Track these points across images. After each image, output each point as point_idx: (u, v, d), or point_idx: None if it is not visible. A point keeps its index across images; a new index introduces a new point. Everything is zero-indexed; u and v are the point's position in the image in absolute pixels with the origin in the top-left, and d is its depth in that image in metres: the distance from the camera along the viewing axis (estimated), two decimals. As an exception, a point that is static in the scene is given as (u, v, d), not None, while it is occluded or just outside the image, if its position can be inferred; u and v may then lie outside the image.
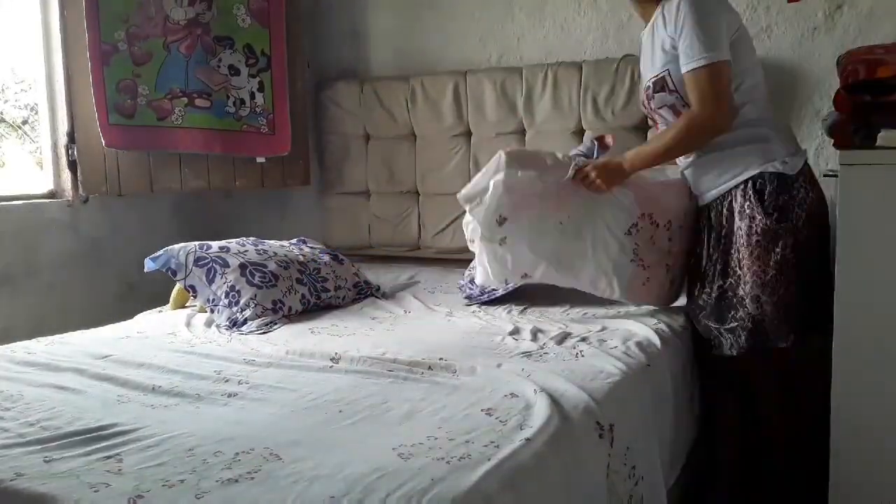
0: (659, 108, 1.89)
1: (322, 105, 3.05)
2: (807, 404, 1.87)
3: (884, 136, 1.55)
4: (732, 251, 1.82)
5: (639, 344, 1.78)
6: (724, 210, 1.84)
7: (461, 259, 2.87)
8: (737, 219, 1.80)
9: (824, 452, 1.65)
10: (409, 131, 2.91)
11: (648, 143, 1.96)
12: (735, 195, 1.81)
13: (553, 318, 2.10)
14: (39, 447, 1.23)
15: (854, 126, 1.63)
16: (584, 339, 1.83)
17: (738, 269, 1.80)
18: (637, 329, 1.90)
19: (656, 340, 1.82)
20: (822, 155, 2.39)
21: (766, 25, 2.41)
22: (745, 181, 1.78)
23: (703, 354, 1.97)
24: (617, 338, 1.83)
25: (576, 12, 2.67)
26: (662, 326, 1.92)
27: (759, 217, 1.74)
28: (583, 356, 1.70)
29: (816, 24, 2.29)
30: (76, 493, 1.05)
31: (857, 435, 1.58)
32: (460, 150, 2.82)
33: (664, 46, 1.81)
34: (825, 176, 2.25)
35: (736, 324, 1.83)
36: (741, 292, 1.80)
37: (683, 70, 1.74)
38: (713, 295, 1.86)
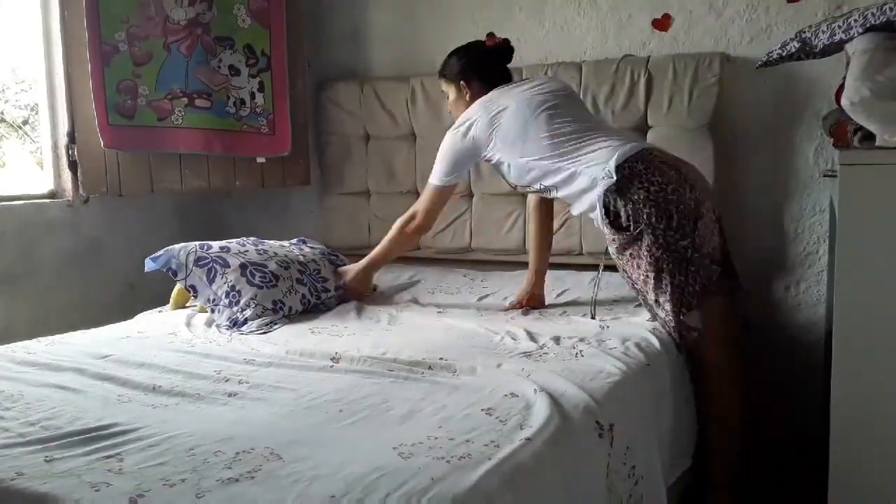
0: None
1: (322, 105, 3.05)
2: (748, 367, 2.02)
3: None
4: (625, 274, 1.99)
5: (638, 344, 1.78)
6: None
7: (461, 259, 2.88)
8: (608, 245, 1.98)
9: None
10: (410, 131, 2.91)
11: (373, 253, 2.38)
12: (601, 227, 1.97)
13: (552, 318, 2.10)
14: (40, 447, 1.23)
15: (854, 126, 1.63)
16: (583, 339, 1.84)
17: (635, 285, 1.97)
18: (636, 329, 1.91)
19: (655, 341, 1.82)
20: (822, 155, 2.40)
21: (766, 25, 2.41)
22: (601, 212, 1.93)
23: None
24: (616, 338, 1.83)
25: (576, 13, 2.67)
26: (661, 326, 1.92)
27: (616, 236, 1.91)
28: (582, 356, 1.70)
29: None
30: (77, 492, 1.06)
31: (857, 435, 1.58)
32: (460, 150, 2.81)
33: None
34: (825, 176, 2.26)
35: (660, 324, 1.94)
36: (649, 302, 1.94)
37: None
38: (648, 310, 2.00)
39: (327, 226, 3.13)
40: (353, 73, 3.06)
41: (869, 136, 1.57)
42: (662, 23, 2.53)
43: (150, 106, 2.60)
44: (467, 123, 2.12)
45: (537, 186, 2.09)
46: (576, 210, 2.05)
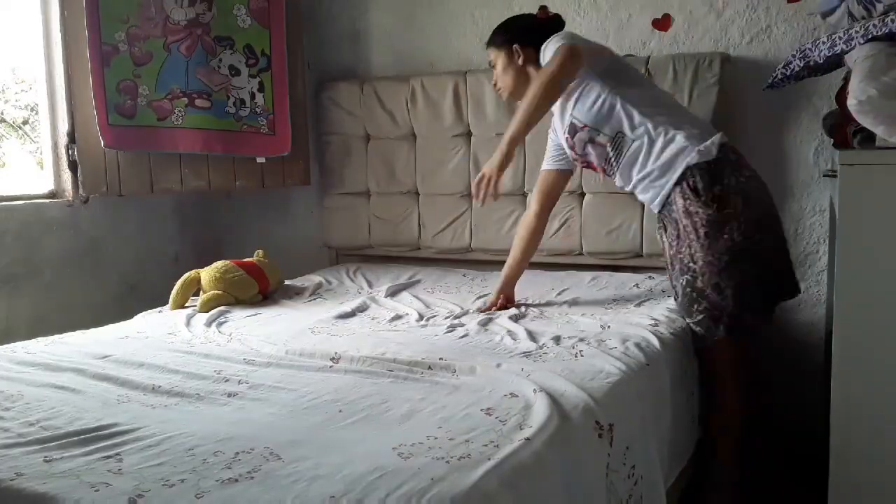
0: (584, 152, 2.05)
1: (322, 105, 3.05)
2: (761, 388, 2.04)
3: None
4: (685, 248, 1.90)
5: (638, 344, 1.78)
6: (672, 213, 1.93)
7: (461, 259, 2.88)
8: (682, 218, 1.89)
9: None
10: (409, 131, 2.91)
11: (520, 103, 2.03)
12: (674, 198, 1.90)
13: (552, 318, 2.10)
14: (39, 447, 1.23)
15: (854, 126, 1.63)
16: (583, 339, 1.83)
17: (692, 263, 1.89)
18: (636, 329, 1.90)
19: (655, 340, 1.82)
20: (822, 154, 2.40)
21: (766, 26, 2.41)
22: (678, 182, 1.88)
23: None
24: (616, 338, 1.83)
25: (575, 13, 2.67)
26: (661, 327, 1.92)
27: (702, 210, 1.84)
28: (582, 356, 1.70)
29: (816, 23, 2.29)
30: (76, 492, 1.05)
31: (857, 435, 1.58)
32: (460, 150, 2.82)
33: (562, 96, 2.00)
34: (825, 176, 2.26)
35: (702, 316, 1.90)
36: (700, 284, 1.88)
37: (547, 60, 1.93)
38: (678, 292, 1.96)
39: (327, 226, 3.13)
40: (353, 73, 3.06)
41: (869, 138, 1.58)
42: (662, 23, 2.54)
43: (150, 106, 2.60)
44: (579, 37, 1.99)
45: (606, 132, 1.97)
46: (635, 175, 1.97)
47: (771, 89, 1.96)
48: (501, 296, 2.24)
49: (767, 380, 2.40)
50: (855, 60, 1.60)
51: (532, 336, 1.90)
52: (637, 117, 1.94)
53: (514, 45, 2.10)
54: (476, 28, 2.84)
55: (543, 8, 2.20)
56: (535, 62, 2.05)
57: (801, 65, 1.84)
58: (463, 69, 2.81)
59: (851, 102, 1.54)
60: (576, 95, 2.00)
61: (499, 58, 2.15)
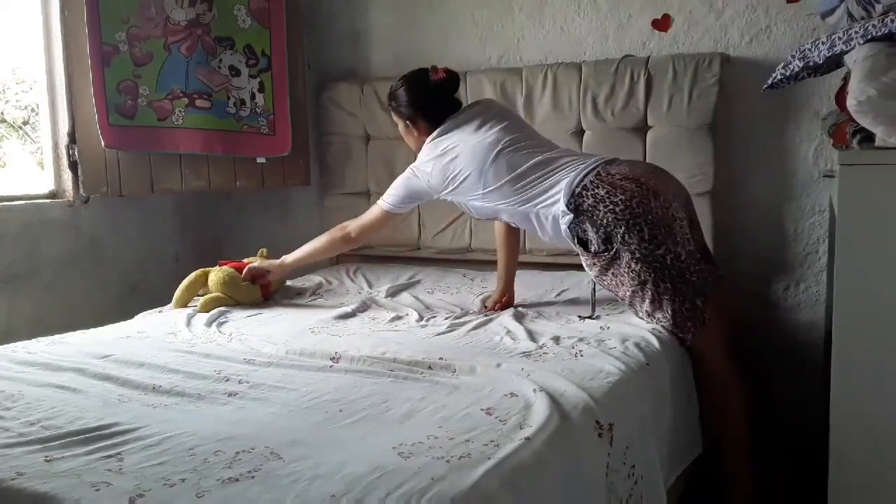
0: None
1: (322, 106, 3.05)
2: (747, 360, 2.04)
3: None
4: (616, 294, 2.02)
5: (638, 344, 1.78)
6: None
7: (461, 259, 2.88)
8: (590, 270, 2.01)
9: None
10: (410, 132, 2.90)
11: (301, 250, 2.46)
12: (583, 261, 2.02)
13: (551, 319, 2.10)
14: (40, 447, 1.23)
15: (854, 126, 1.64)
16: (582, 339, 1.84)
17: (625, 303, 2.00)
18: (636, 329, 1.91)
19: (654, 340, 1.82)
20: (821, 155, 2.40)
21: (766, 26, 2.42)
22: (573, 240, 1.98)
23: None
24: (616, 338, 1.83)
25: (575, 13, 2.67)
26: (661, 327, 1.92)
27: (594, 260, 1.96)
28: (582, 356, 1.70)
29: (816, 24, 2.29)
30: (77, 492, 1.06)
31: (857, 435, 1.58)
32: (460, 150, 2.81)
33: None
34: (825, 176, 2.26)
35: (662, 326, 1.94)
36: (641, 316, 1.97)
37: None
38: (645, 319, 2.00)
39: (327, 226, 3.11)
40: (354, 74, 3.06)
41: (868, 138, 1.58)
42: (662, 23, 2.54)
43: (151, 106, 2.60)
44: (423, 173, 2.17)
45: (503, 218, 2.16)
46: (548, 241, 2.11)
47: (770, 90, 1.96)
48: (506, 294, 2.28)
49: (767, 380, 2.40)
50: (854, 61, 1.60)
51: (532, 336, 1.90)
52: (511, 209, 2.06)
53: (407, 121, 2.25)
54: (476, 28, 2.84)
55: (434, 68, 2.23)
56: (430, 129, 2.20)
57: (801, 65, 1.83)
58: (463, 69, 2.80)
59: (851, 103, 1.54)
60: (462, 205, 2.19)
61: (398, 122, 2.31)
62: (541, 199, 2.00)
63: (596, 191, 1.91)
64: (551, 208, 1.98)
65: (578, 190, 1.93)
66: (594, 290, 2.13)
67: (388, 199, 2.25)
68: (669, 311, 1.90)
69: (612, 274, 1.94)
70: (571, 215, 1.93)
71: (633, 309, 1.99)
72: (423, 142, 2.22)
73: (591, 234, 1.93)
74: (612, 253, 1.91)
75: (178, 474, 1.11)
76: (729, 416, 1.96)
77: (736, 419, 1.96)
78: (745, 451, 1.97)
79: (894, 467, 1.55)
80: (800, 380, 2.43)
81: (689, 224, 2.00)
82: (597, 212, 1.90)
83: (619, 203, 1.88)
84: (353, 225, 2.33)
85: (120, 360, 1.75)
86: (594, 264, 1.96)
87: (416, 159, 2.24)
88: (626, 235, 1.87)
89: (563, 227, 1.96)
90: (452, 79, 2.23)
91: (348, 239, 2.34)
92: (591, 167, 1.96)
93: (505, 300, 2.27)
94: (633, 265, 1.89)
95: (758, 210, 2.48)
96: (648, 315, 1.93)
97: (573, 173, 1.97)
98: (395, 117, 2.31)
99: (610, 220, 1.89)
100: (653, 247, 1.87)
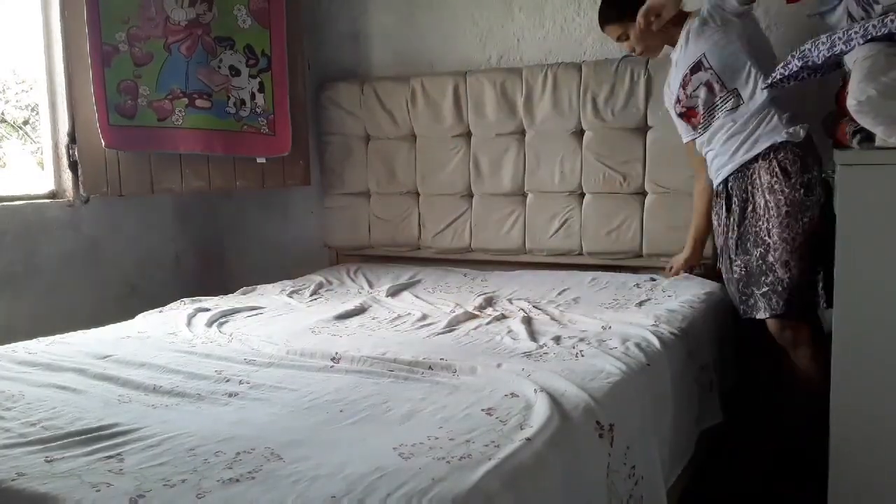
0: (695, 91, 2.09)
1: (322, 106, 3.05)
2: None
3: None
4: (761, 223, 1.99)
5: (638, 344, 1.78)
6: (747, 185, 2.03)
7: (461, 259, 2.88)
8: (765, 193, 1.98)
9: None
10: (410, 132, 2.91)
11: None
12: (758, 172, 2.00)
13: (552, 319, 2.10)
14: (41, 447, 1.23)
15: (853, 126, 1.64)
16: (583, 339, 1.84)
17: (767, 238, 1.98)
18: (636, 329, 1.90)
19: (655, 341, 1.82)
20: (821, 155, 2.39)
21: (766, 26, 2.41)
22: (764, 157, 1.98)
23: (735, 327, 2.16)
24: (616, 338, 1.83)
25: (575, 13, 2.67)
26: (661, 328, 1.92)
27: (788, 191, 1.94)
28: (582, 356, 1.70)
29: (815, 24, 2.29)
30: (77, 492, 1.06)
31: (857, 435, 1.58)
32: (460, 150, 2.82)
33: (699, 40, 2.05)
34: (824, 177, 2.25)
35: (767, 288, 1.98)
36: (771, 259, 1.97)
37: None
38: (744, 265, 2.04)
39: (327, 226, 3.13)
40: (354, 74, 3.06)
41: (868, 138, 1.58)
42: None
43: (151, 106, 2.60)
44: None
45: (725, 83, 2.05)
46: (723, 134, 2.07)
47: (770, 89, 1.95)
48: (694, 257, 2.42)
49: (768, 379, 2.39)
50: (854, 61, 1.60)
51: (532, 336, 1.90)
52: (756, 84, 2.00)
53: (651, 11, 2.06)
54: (476, 28, 2.84)
55: None
56: (675, 6, 2.06)
57: (800, 65, 1.83)
58: (463, 69, 2.81)
59: (851, 103, 1.54)
60: (714, 38, 2.03)
61: (628, 29, 2.15)
62: (778, 100, 2.00)
63: (813, 145, 1.98)
64: (778, 112, 2.00)
65: (811, 132, 1.98)
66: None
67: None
68: (809, 279, 1.95)
69: (786, 212, 1.94)
70: (786, 133, 1.96)
71: (756, 249, 2.00)
72: (669, 27, 2.10)
73: (797, 169, 1.94)
74: (808, 198, 1.93)
75: (178, 475, 1.11)
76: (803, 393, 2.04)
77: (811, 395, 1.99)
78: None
79: (894, 467, 1.55)
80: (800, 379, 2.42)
81: None
82: (811, 158, 1.96)
83: (823, 169, 1.95)
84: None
85: (120, 361, 1.75)
86: (779, 191, 1.96)
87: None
88: (824, 202, 1.92)
89: (774, 137, 1.98)
90: None
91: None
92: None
93: (690, 262, 2.40)
94: (815, 223, 1.92)
95: (758, 210, 2.48)
96: (784, 266, 1.95)
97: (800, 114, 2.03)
98: (616, 30, 2.19)
99: (816, 177, 1.95)
100: (828, 226, 1.88)
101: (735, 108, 2.04)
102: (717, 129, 2.08)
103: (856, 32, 1.61)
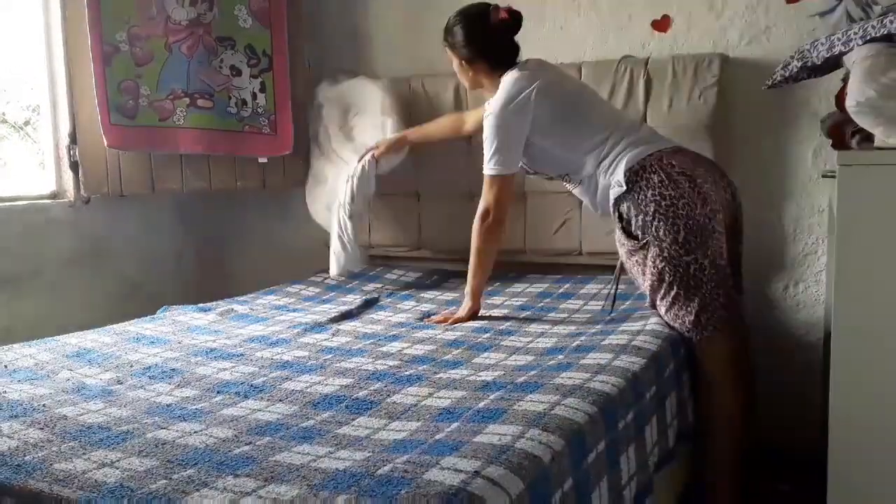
0: (534, 174, 2.23)
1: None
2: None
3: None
4: (631, 275, 2.06)
5: (638, 345, 1.78)
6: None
7: (461, 259, 2.87)
8: (621, 251, 2.03)
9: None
10: (410, 132, 2.91)
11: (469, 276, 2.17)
12: (617, 236, 2.03)
13: (555, 319, 2.11)
14: (40, 447, 1.23)
15: (853, 127, 1.64)
16: (584, 339, 1.84)
17: (646, 290, 2.01)
18: (638, 328, 1.91)
19: (656, 340, 1.83)
20: (820, 156, 2.40)
21: (766, 26, 2.42)
22: (614, 213, 2.00)
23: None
24: (617, 337, 1.84)
25: (575, 13, 2.68)
26: (654, 331, 1.91)
27: (627, 243, 1.97)
28: (584, 356, 1.71)
29: (815, 24, 2.30)
30: (77, 493, 1.06)
31: (857, 436, 1.58)
32: (460, 150, 2.82)
33: None
34: (824, 177, 2.26)
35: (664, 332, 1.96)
36: (656, 305, 2.00)
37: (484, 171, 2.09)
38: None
39: (326, 226, 3.13)
40: (354, 74, 3.06)
41: (867, 139, 1.58)
42: (662, 24, 2.55)
43: (152, 106, 2.60)
44: (518, 96, 2.02)
45: (556, 173, 2.14)
46: (590, 205, 2.13)
47: (770, 88, 1.96)
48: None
49: (767, 380, 2.40)
50: (853, 61, 1.60)
51: (533, 336, 1.90)
52: (577, 161, 2.04)
53: (463, 62, 2.17)
54: (476, 29, 2.84)
55: (496, 8, 2.09)
56: (488, 72, 2.14)
57: (800, 66, 1.84)
58: (463, 70, 2.81)
59: (850, 103, 1.55)
60: (528, 149, 2.09)
61: (453, 58, 2.21)
62: (606, 160, 2.00)
63: (651, 176, 1.91)
64: (609, 175, 1.99)
65: (637, 167, 1.93)
66: (616, 284, 2.16)
67: (490, 164, 2.07)
68: (681, 313, 1.93)
69: (637, 261, 1.96)
70: (624, 188, 1.93)
71: (650, 298, 2.01)
72: (482, 81, 2.18)
73: (632, 215, 1.93)
74: (642, 242, 1.92)
75: (181, 474, 1.11)
76: (715, 429, 1.97)
77: (722, 434, 1.97)
78: (725, 469, 1.97)
79: (894, 468, 1.56)
80: (799, 380, 2.43)
81: (732, 234, 2.02)
82: (644, 196, 1.91)
83: (667, 198, 1.88)
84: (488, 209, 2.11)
85: (121, 361, 1.75)
86: (623, 244, 1.99)
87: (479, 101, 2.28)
88: (662, 232, 1.88)
89: (612, 197, 1.97)
90: (515, 21, 2.11)
91: (492, 230, 2.13)
92: (657, 148, 1.97)
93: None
94: (657, 262, 1.90)
95: (757, 210, 2.48)
96: (665, 310, 1.96)
97: (641, 147, 1.97)
98: (449, 52, 2.21)
99: (651, 210, 1.89)
100: (682, 252, 1.88)
101: (577, 184, 2.10)
102: (583, 198, 2.16)
103: (855, 33, 1.61)
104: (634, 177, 1.92)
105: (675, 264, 1.88)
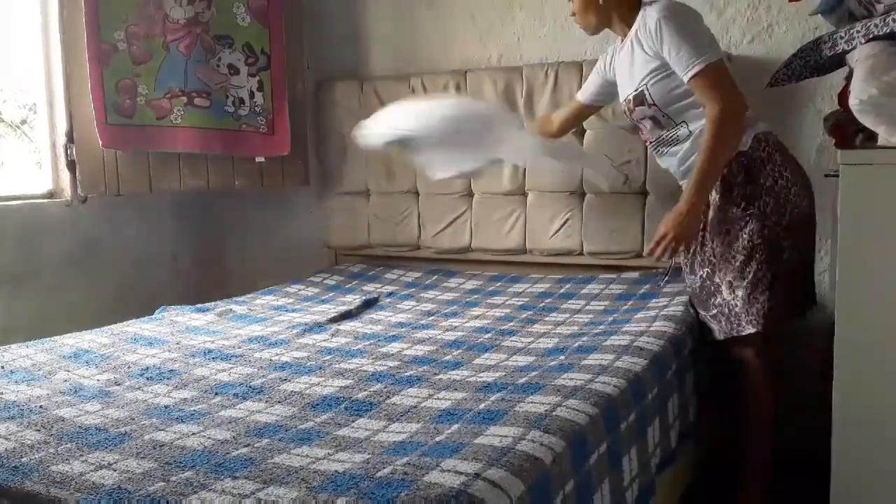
0: (640, 120, 2.02)
1: (322, 105, 3.05)
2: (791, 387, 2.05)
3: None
4: (708, 241, 1.92)
5: (639, 345, 1.77)
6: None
7: (461, 259, 2.87)
8: (711, 210, 1.90)
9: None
10: (409, 131, 2.90)
11: (695, 169, 1.84)
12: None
13: (556, 320, 2.10)
14: (39, 448, 1.22)
15: (856, 126, 1.63)
16: (585, 338, 1.83)
17: (713, 257, 1.91)
18: (639, 328, 1.90)
19: (658, 340, 1.82)
20: (823, 154, 2.39)
21: (768, 25, 2.41)
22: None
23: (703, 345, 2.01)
24: (619, 336, 1.83)
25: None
26: (661, 325, 1.92)
27: (727, 206, 1.85)
28: (585, 357, 1.70)
29: (817, 23, 2.29)
30: (76, 494, 1.05)
31: (859, 435, 1.58)
32: (460, 149, 2.81)
33: (642, 64, 1.91)
34: (826, 176, 2.25)
35: (716, 310, 1.94)
36: (717, 279, 1.91)
37: (686, 78, 1.80)
38: (697, 283, 1.99)
39: (327, 226, 3.12)
40: (353, 73, 3.06)
41: (870, 137, 1.57)
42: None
43: (149, 105, 2.59)
44: (687, 7, 1.88)
45: (671, 117, 1.93)
46: (676, 159, 1.96)
47: (772, 87, 1.95)
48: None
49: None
50: (856, 60, 1.59)
51: (535, 337, 1.89)
52: (701, 112, 1.87)
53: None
54: (476, 27, 2.83)
55: None
56: (617, 5, 1.96)
57: (802, 64, 1.83)
58: (463, 69, 2.80)
59: (853, 102, 1.54)
60: (658, 73, 1.89)
61: None
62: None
63: (774, 154, 1.86)
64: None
65: (762, 139, 1.86)
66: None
67: (700, 54, 1.78)
68: (759, 297, 1.85)
69: (726, 229, 1.86)
70: (746, 148, 1.83)
71: (703, 268, 1.92)
72: (610, 15, 1.97)
73: (741, 184, 1.84)
74: (746, 212, 1.83)
75: (179, 475, 1.10)
76: (752, 428, 1.96)
77: (760, 434, 1.96)
78: (758, 469, 1.96)
79: (897, 469, 1.55)
80: (800, 381, 2.42)
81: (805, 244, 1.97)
82: (763, 168, 1.84)
83: (785, 179, 1.84)
84: (717, 102, 1.78)
85: (119, 361, 1.74)
86: (719, 208, 1.87)
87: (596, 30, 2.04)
88: (770, 209, 1.82)
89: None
90: None
91: (732, 105, 1.80)
92: (773, 131, 1.91)
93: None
94: (754, 237, 1.83)
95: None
96: (738, 290, 1.86)
97: (763, 123, 1.91)
98: None
99: (768, 185, 1.83)
100: (784, 235, 1.85)
101: (683, 137, 1.95)
102: (672, 155, 2.00)
103: (858, 31, 1.60)
104: (757, 145, 1.85)
105: (773, 247, 1.83)
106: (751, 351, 1.93)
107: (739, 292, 1.87)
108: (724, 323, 1.93)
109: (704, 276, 1.95)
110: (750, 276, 1.85)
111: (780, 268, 1.86)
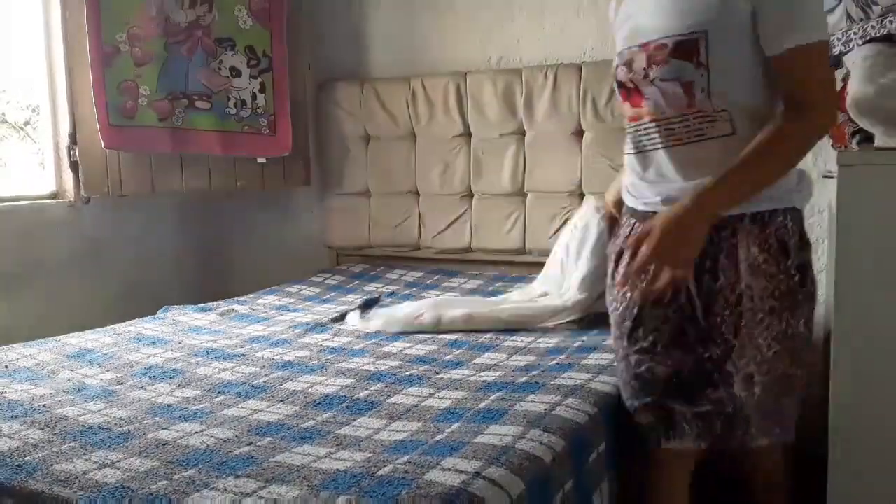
0: (662, 80, 1.32)
1: (323, 106, 3.06)
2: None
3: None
4: (726, 311, 1.34)
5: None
6: (720, 253, 1.33)
7: (461, 259, 2.88)
8: (745, 272, 1.32)
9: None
10: (409, 132, 2.91)
11: (732, 166, 1.29)
12: (742, 237, 1.32)
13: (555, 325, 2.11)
14: (41, 448, 1.23)
15: (853, 127, 1.64)
16: (585, 340, 1.84)
17: (730, 336, 1.34)
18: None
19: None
20: (820, 155, 2.40)
21: (766, 27, 2.41)
22: (759, 219, 1.32)
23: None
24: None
25: (575, 14, 2.68)
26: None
27: (782, 277, 1.31)
28: (585, 356, 1.71)
29: (815, 25, 2.30)
30: (77, 493, 1.06)
31: (857, 435, 1.58)
32: (460, 150, 2.82)
33: None
34: (824, 177, 2.26)
35: (710, 407, 1.36)
36: (729, 367, 1.34)
37: (778, 50, 1.24)
38: (687, 364, 1.37)
39: (327, 226, 3.13)
40: (354, 74, 3.07)
41: (867, 139, 1.58)
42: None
43: (151, 106, 2.60)
44: None
45: (710, 94, 1.29)
46: (672, 168, 1.36)
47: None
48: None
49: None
50: (853, 62, 1.60)
51: (535, 337, 1.90)
52: (768, 102, 1.32)
53: None
54: (476, 29, 2.84)
55: None
56: None
57: None
58: (463, 70, 2.81)
59: (850, 103, 1.55)
60: (740, 22, 1.27)
61: None
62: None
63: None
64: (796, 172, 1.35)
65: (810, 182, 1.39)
66: None
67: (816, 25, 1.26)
68: (791, 402, 1.42)
69: (770, 307, 1.32)
70: (833, 176, 1.37)
71: (717, 349, 1.35)
72: None
73: (795, 243, 1.34)
74: (803, 287, 1.35)
75: (183, 474, 1.11)
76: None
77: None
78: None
79: (895, 468, 1.56)
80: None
81: None
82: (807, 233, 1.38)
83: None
84: (816, 103, 1.27)
85: (121, 361, 1.75)
86: (768, 275, 1.31)
87: None
88: (816, 288, 1.38)
89: (790, 199, 1.35)
90: None
91: (830, 117, 1.35)
92: None
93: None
94: (800, 326, 1.36)
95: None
96: (746, 380, 1.34)
97: None
98: None
99: (809, 256, 1.37)
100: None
101: (720, 135, 1.33)
102: (664, 161, 1.38)
103: (854, 33, 1.61)
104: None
105: (808, 338, 1.38)
106: (778, 463, 1.59)
107: (758, 390, 1.35)
108: (717, 425, 1.37)
109: (705, 356, 1.36)
110: (778, 372, 1.35)
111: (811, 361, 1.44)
